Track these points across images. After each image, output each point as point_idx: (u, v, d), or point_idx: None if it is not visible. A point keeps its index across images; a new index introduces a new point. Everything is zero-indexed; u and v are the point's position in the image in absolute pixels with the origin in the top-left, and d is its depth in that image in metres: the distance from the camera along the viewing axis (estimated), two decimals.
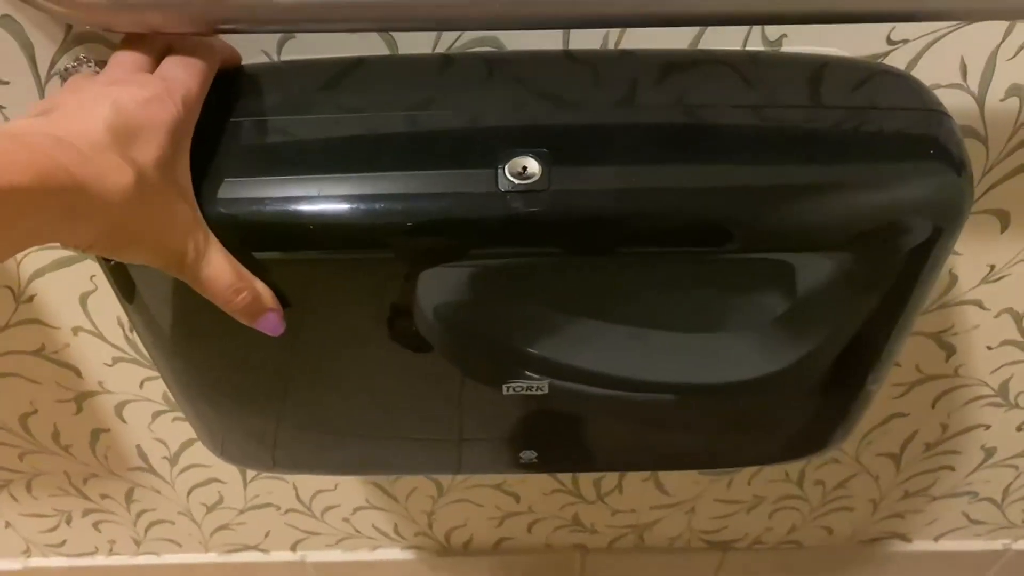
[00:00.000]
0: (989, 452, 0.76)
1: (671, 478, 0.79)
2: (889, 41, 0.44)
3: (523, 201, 0.36)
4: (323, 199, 0.37)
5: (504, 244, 0.38)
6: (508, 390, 0.44)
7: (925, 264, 0.40)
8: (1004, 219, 0.54)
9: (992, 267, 0.58)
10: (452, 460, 0.50)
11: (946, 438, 0.74)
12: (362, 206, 0.37)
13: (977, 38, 0.44)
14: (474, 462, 0.50)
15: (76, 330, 0.61)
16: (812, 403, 0.48)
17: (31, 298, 0.59)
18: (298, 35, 0.43)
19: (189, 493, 0.80)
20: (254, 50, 0.44)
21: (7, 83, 0.46)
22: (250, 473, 0.77)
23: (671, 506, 0.83)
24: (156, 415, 0.70)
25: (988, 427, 0.73)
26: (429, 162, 0.38)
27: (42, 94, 0.46)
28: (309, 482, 0.79)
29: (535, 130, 0.38)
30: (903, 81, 0.42)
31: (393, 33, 0.43)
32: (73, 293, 0.58)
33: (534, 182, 0.36)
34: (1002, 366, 0.66)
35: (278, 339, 0.42)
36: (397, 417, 0.47)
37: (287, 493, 0.80)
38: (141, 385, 0.66)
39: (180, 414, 0.69)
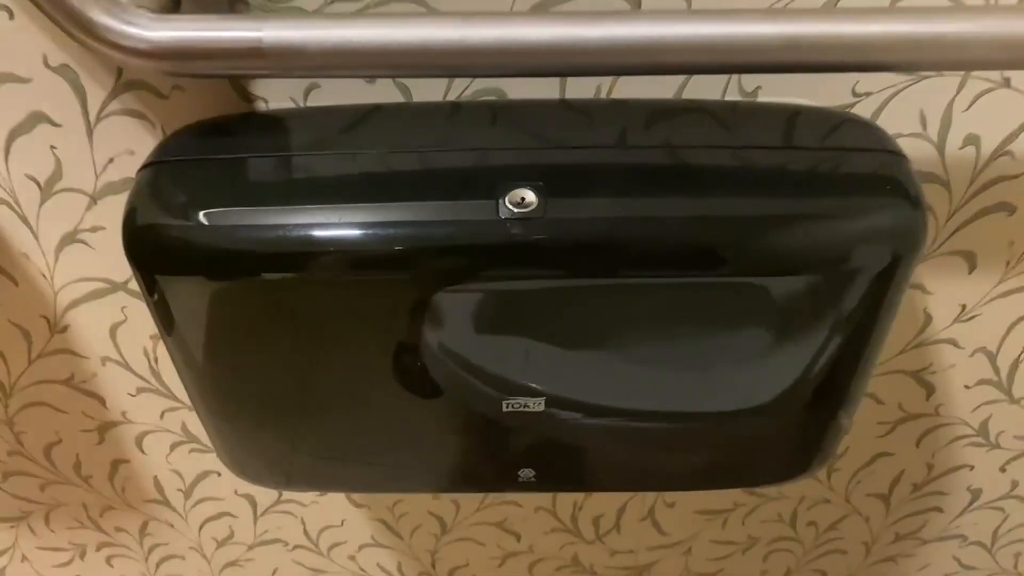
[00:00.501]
0: (975, 494, 0.79)
1: (668, 517, 0.82)
2: (854, 93, 0.49)
3: (522, 228, 0.41)
4: (341, 226, 0.42)
5: (504, 267, 0.42)
6: (508, 407, 0.48)
7: (888, 290, 0.44)
8: (971, 260, 0.58)
9: (963, 307, 0.62)
10: (454, 476, 0.53)
11: (932, 478, 0.77)
12: (376, 232, 0.42)
13: (934, 91, 0.49)
14: (475, 479, 0.54)
15: (104, 360, 0.65)
16: (790, 425, 0.51)
17: (65, 328, 0.63)
18: (323, 85, 0.48)
19: (201, 527, 0.82)
20: (282, 97, 0.49)
21: (60, 125, 0.51)
22: (260, 506, 0.80)
23: (668, 547, 0.85)
24: (174, 446, 0.73)
25: (972, 467, 0.76)
26: (437, 194, 0.42)
27: (91, 136, 0.51)
28: (317, 517, 0.81)
29: (533, 168, 0.43)
30: (866, 128, 0.46)
31: (407, 82, 0.48)
32: (104, 324, 0.62)
33: (532, 211, 0.41)
34: (980, 405, 0.70)
35: (295, 357, 0.46)
36: (400, 433, 0.50)
37: (295, 528, 0.83)
38: (162, 416, 0.70)
39: (197, 445, 0.73)
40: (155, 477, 0.77)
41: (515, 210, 0.41)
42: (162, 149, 0.46)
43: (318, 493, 0.76)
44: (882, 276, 0.43)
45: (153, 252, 0.43)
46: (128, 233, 0.43)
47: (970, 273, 0.59)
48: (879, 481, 0.77)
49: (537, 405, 0.48)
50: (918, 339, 0.64)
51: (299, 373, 0.48)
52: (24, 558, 0.86)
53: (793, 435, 0.52)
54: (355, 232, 0.42)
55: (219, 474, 0.76)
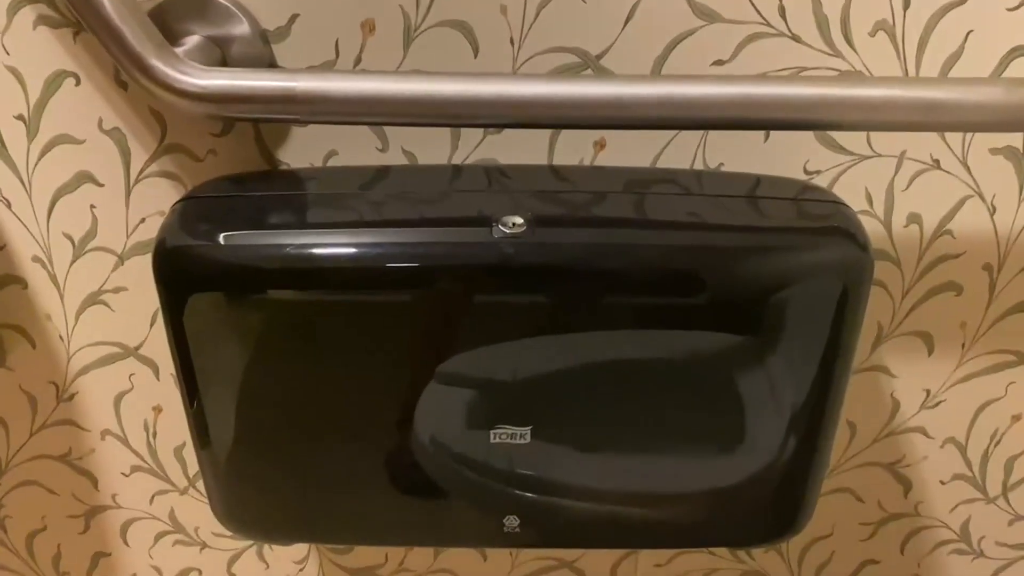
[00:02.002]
0: None
1: None
2: (805, 171, 0.56)
3: (512, 246, 0.46)
4: (345, 246, 0.47)
5: (498, 282, 0.47)
6: (495, 437, 0.50)
7: (844, 318, 0.48)
8: (928, 341, 0.63)
9: (928, 392, 0.65)
10: (441, 522, 0.54)
11: None
12: (378, 251, 0.47)
13: (875, 171, 0.56)
14: (462, 527, 0.55)
15: (104, 433, 0.67)
16: (771, 469, 0.53)
17: (72, 396, 0.65)
18: (340, 152, 0.55)
19: None
20: (304, 162, 0.55)
21: (103, 185, 0.57)
22: None
23: None
24: (159, 537, 0.73)
25: None
26: (440, 222, 0.48)
27: (128, 197, 0.57)
28: None
29: (523, 205, 0.49)
30: (816, 188, 0.53)
31: (414, 151, 0.55)
32: (111, 392, 0.65)
33: (522, 232, 0.46)
34: (958, 505, 0.71)
35: (299, 381, 0.50)
36: (387, 468, 0.52)
37: None
38: (152, 500, 0.71)
39: (183, 536, 0.72)
40: (134, 575, 0.75)
41: (507, 231, 0.46)
42: (192, 191, 0.52)
43: (298, 563, 0.74)
44: (837, 304, 0.48)
45: (178, 271, 0.48)
46: (158, 256, 0.48)
47: (929, 355, 0.63)
48: None
49: (524, 437, 0.50)
50: (889, 427, 0.67)
51: (301, 398, 0.50)
52: None
53: (776, 481, 0.53)
54: (358, 251, 0.47)
55: (200, 572, 0.75)
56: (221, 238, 0.47)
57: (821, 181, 0.56)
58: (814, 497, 0.56)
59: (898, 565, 0.75)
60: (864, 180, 0.57)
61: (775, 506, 0.55)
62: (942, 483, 0.70)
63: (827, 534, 0.73)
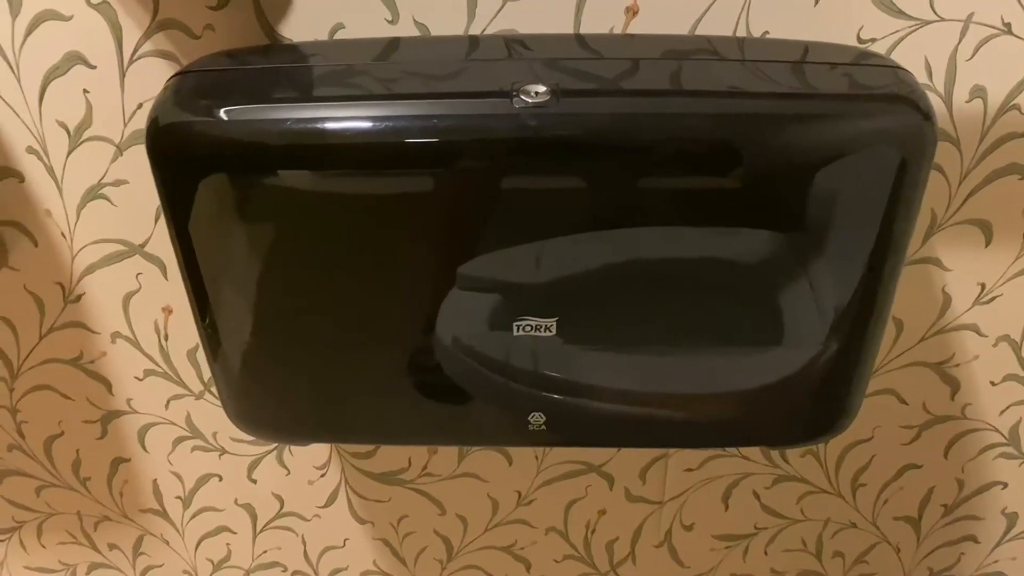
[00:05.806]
0: (1011, 519, 0.75)
1: (685, 543, 0.78)
2: (859, 39, 0.51)
3: (535, 117, 0.42)
4: (370, 119, 0.42)
5: (519, 157, 0.43)
6: (518, 329, 0.47)
7: (900, 198, 0.44)
8: (987, 230, 0.58)
9: (983, 286, 0.61)
10: (464, 419, 0.51)
11: (963, 499, 0.73)
12: (400, 125, 0.42)
13: (937, 38, 0.51)
14: (485, 424, 0.52)
15: (115, 336, 0.65)
16: (813, 362, 0.49)
17: (79, 297, 0.63)
18: (347, 25, 0.51)
19: (198, 545, 0.79)
20: (309, 37, 0.51)
21: (94, 67, 0.53)
22: (261, 520, 0.77)
23: None
24: (177, 442, 0.71)
25: (1005, 485, 0.72)
26: (455, 94, 0.44)
27: (123, 80, 0.53)
28: (318, 535, 0.78)
29: (546, 76, 0.44)
30: (872, 54, 0.48)
31: (426, 23, 0.50)
32: (118, 292, 0.62)
33: (545, 102, 0.42)
34: (1009, 406, 0.67)
35: (311, 269, 0.47)
36: (408, 362, 0.49)
37: (295, 549, 0.79)
38: (167, 405, 0.69)
39: (200, 442, 0.71)
40: (154, 481, 0.74)
41: (529, 101, 0.42)
42: (188, 66, 0.48)
43: (320, 468, 0.73)
44: (894, 184, 0.43)
45: (175, 152, 0.44)
46: (151, 136, 0.44)
47: (987, 246, 0.59)
48: (907, 500, 0.74)
49: (548, 329, 0.47)
50: (939, 324, 0.63)
51: (315, 287, 0.47)
52: None
53: (817, 376, 0.50)
54: (370, 125, 0.42)
55: (220, 478, 0.74)
56: (223, 113, 0.43)
57: (876, 50, 0.51)
58: (858, 398, 0.52)
59: (941, 469, 0.71)
60: (924, 49, 0.51)
61: (817, 406, 0.52)
62: (992, 384, 0.66)
63: (867, 438, 0.70)
